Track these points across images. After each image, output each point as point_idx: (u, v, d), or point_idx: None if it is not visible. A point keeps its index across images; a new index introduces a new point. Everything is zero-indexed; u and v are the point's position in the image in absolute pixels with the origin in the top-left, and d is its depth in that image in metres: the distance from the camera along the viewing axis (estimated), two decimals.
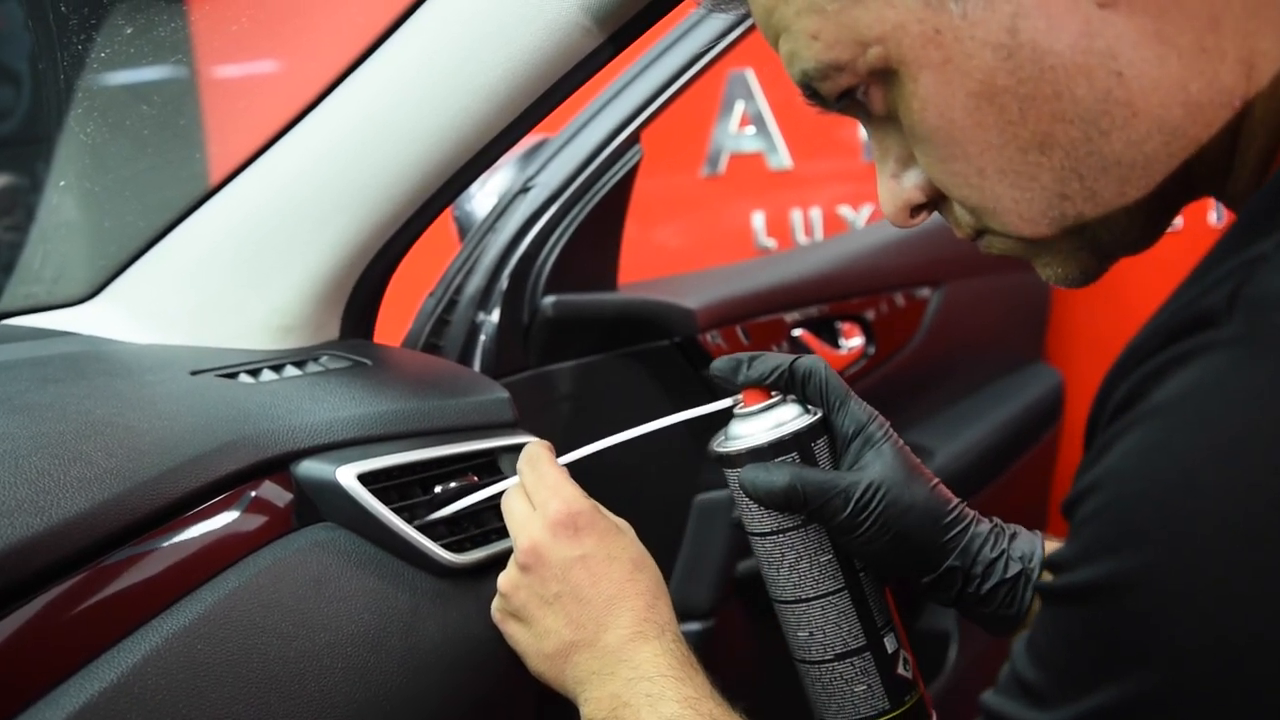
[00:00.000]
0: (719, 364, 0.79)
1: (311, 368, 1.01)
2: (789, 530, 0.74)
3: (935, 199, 0.62)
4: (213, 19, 1.25)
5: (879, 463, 0.74)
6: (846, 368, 1.67)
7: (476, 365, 1.22)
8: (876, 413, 0.77)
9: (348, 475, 0.87)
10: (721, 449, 0.77)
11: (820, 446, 0.75)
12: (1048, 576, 0.52)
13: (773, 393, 0.77)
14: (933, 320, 1.77)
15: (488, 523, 0.95)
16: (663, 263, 2.30)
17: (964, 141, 0.55)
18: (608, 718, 0.77)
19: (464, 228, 1.41)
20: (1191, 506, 0.45)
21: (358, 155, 0.98)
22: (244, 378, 0.96)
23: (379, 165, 0.98)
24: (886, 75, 0.56)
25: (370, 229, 1.01)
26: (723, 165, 2.40)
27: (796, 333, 1.59)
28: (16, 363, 0.95)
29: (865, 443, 0.75)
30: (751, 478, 0.74)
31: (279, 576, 0.81)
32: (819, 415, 0.76)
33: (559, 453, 0.89)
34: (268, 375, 0.98)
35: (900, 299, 1.74)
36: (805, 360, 0.77)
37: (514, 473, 0.98)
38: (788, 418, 0.75)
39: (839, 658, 0.75)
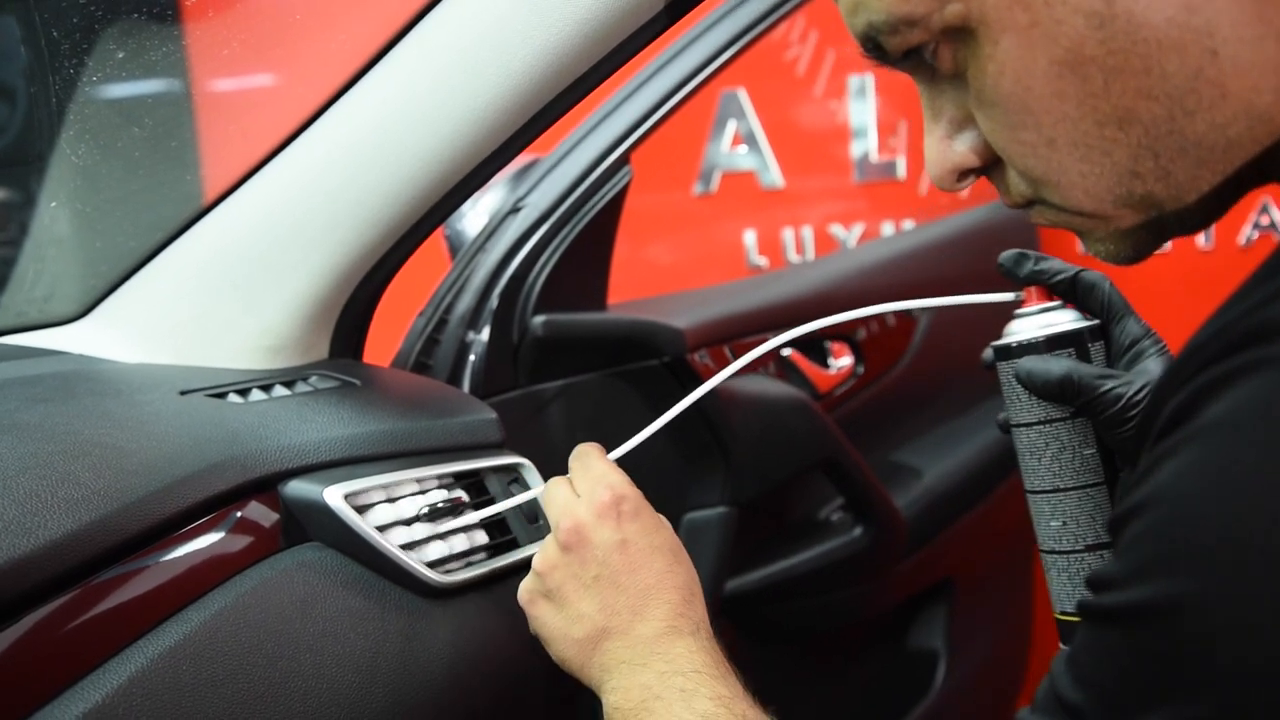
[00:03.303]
0: (1006, 255, 0.79)
1: (300, 388, 1.01)
2: (1056, 421, 0.76)
3: (988, 164, 0.59)
4: (207, 41, 1.26)
5: (1153, 367, 0.75)
6: (835, 387, 1.67)
7: (466, 384, 1.22)
8: (1152, 329, 0.77)
9: (335, 495, 0.87)
10: (998, 342, 0.79)
11: (1096, 349, 0.77)
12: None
13: (1053, 298, 0.79)
14: (922, 340, 1.77)
15: (476, 543, 0.96)
16: (655, 280, 2.31)
17: (1038, 111, 0.53)
18: (636, 708, 0.77)
19: (455, 247, 1.41)
20: (1248, 529, 0.44)
21: (349, 176, 0.98)
22: (233, 398, 0.96)
23: (370, 186, 0.98)
24: (962, 34, 0.53)
25: (361, 249, 1.01)
26: (715, 183, 2.41)
27: (786, 352, 1.60)
28: (6, 382, 0.95)
29: (1139, 354, 0.76)
30: (1029, 366, 0.75)
31: (266, 597, 0.81)
32: (1097, 322, 0.78)
33: (546, 472, 0.89)
34: (257, 395, 0.98)
35: (890, 318, 1.74)
36: (1090, 273, 0.78)
37: (502, 493, 0.99)
38: (1066, 319, 0.77)
39: (1090, 549, 0.76)
